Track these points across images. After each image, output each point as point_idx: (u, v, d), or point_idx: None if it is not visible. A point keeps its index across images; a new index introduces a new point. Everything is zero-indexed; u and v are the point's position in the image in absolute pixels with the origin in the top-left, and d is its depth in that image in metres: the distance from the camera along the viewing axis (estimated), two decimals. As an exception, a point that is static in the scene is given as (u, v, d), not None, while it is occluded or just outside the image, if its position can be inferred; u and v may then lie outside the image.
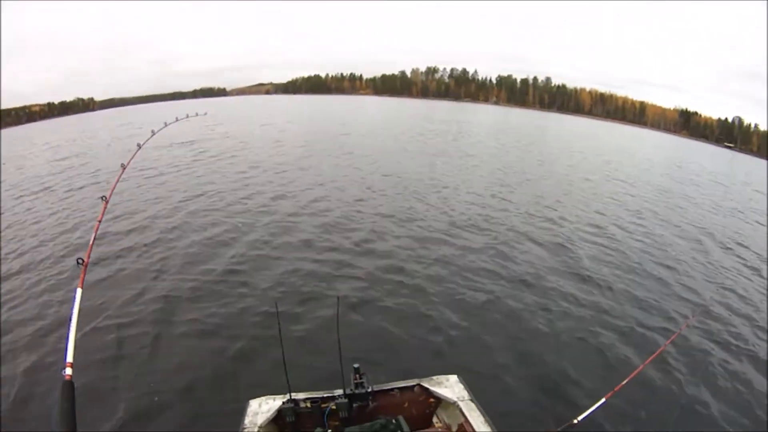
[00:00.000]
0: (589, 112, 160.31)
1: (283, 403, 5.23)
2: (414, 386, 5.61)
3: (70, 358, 2.53)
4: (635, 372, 5.08)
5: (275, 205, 18.06)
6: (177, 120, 9.33)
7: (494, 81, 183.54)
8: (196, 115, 11.25)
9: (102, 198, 4.43)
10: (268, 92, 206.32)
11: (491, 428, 4.82)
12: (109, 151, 32.86)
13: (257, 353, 8.81)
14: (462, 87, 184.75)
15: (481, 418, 4.97)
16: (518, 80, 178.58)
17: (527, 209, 19.72)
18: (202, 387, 7.96)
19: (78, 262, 3.40)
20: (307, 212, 17.58)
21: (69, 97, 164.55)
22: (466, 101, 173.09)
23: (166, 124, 8.74)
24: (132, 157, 5.38)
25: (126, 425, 6.94)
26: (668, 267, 15.13)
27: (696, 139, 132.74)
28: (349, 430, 4.85)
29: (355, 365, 5.39)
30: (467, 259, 13.85)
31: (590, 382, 8.65)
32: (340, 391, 5.29)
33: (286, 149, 31.68)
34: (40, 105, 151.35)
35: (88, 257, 3.48)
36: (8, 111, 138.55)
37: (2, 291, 10.91)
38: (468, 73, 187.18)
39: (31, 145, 45.86)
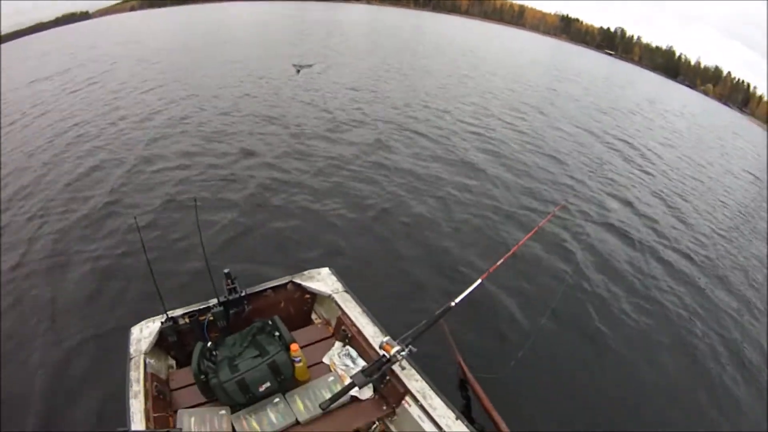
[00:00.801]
0: (466, 12, 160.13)
1: (162, 323, 5.14)
2: (287, 284, 5.60)
3: None
4: (509, 254, 5.12)
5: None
6: None
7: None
8: None
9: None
10: (132, 9, 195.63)
11: (370, 318, 4.91)
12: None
13: (126, 278, 8.46)
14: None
15: (358, 309, 5.04)
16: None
17: (408, 103, 19.95)
18: (74, 326, 7.61)
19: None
20: (173, 124, 17.18)
21: None
22: (339, 1, 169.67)
23: None
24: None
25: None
26: (547, 156, 15.94)
27: (576, 44, 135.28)
28: (229, 339, 4.82)
29: (226, 270, 5.30)
30: (348, 152, 14.10)
31: (466, 264, 8.93)
32: (214, 301, 5.24)
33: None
34: None
35: None
36: None
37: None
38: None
39: None
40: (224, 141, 14.82)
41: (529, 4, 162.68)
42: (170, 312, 5.23)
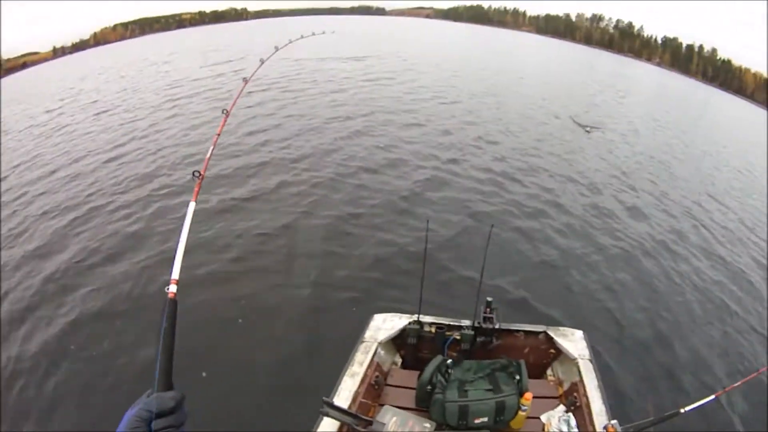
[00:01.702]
0: (751, 96, 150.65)
1: (409, 323, 5.41)
2: (540, 333, 5.68)
3: (176, 275, 2.45)
4: (751, 376, 4.99)
5: (419, 130, 19.09)
6: (302, 37, 9.57)
7: (659, 41, 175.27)
8: (323, 33, 11.45)
9: (223, 111, 4.44)
10: (428, 16, 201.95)
11: (602, 395, 4.86)
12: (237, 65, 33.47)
13: (398, 269, 9.48)
14: (626, 41, 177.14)
15: (595, 382, 5.00)
16: (684, 45, 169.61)
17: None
18: (323, 297, 8.77)
19: (194, 175, 3.33)
20: (480, 143, 18.77)
21: (222, 6, 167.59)
22: (629, 56, 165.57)
23: (290, 41, 9.00)
24: (254, 73, 5.52)
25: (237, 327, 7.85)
26: None
27: None
28: (467, 363, 4.97)
29: (489, 299, 5.49)
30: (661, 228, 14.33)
31: (707, 373, 8.62)
32: (467, 322, 5.44)
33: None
34: (191, 13, 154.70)
35: (205, 170, 3.44)
36: (157, 18, 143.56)
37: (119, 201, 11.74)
38: (633, 27, 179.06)
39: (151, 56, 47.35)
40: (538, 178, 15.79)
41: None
42: (422, 316, 5.55)
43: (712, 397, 4.57)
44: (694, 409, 4.41)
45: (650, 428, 4.41)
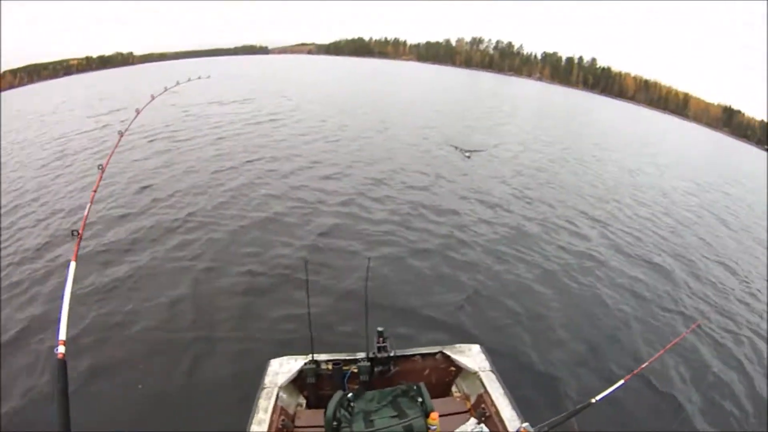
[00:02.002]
0: (632, 98, 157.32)
1: (305, 363, 5.30)
2: (436, 353, 5.62)
3: (62, 336, 2.52)
4: (656, 356, 5.11)
5: (296, 170, 18.84)
6: (177, 83, 9.36)
7: (539, 57, 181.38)
8: (198, 78, 11.28)
9: (99, 167, 4.39)
10: (310, 52, 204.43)
11: (510, 401, 4.84)
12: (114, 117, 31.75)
13: (282, 312, 9.11)
14: (506, 60, 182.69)
15: (501, 390, 4.98)
16: (563, 58, 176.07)
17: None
18: (221, 347, 8.34)
19: (72, 234, 3.37)
20: (343, 175, 18.55)
21: (108, 51, 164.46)
22: (510, 75, 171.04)
23: (166, 89, 8.84)
24: (129, 124, 5.40)
25: (137, 392, 7.26)
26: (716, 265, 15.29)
27: (738, 138, 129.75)
28: (369, 393, 4.87)
29: (379, 328, 5.39)
30: (526, 236, 14.67)
31: (612, 362, 8.83)
32: (362, 354, 5.33)
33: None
34: (78, 59, 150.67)
35: (83, 229, 3.45)
36: (45, 65, 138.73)
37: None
38: (513, 46, 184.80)
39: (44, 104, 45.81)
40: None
41: (693, 93, 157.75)
42: (316, 355, 5.41)
43: (621, 382, 4.59)
44: (605, 396, 4.40)
45: (564, 423, 4.28)
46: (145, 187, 15.37)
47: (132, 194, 14.88)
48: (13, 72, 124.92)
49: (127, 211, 13.43)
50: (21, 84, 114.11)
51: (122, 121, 26.45)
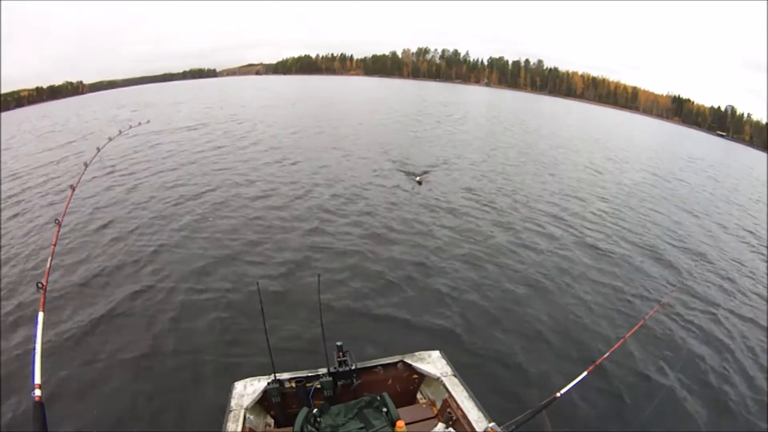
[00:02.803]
0: (581, 96, 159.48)
1: (268, 383, 5.28)
2: (397, 362, 5.65)
3: (38, 380, 2.60)
4: (615, 346, 5.13)
5: (246, 194, 18.51)
6: (120, 133, 9.32)
7: (486, 63, 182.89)
8: (139, 124, 11.30)
9: (55, 221, 4.52)
10: (258, 73, 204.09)
11: (475, 403, 4.86)
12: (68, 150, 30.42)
13: (240, 335, 9.05)
14: (453, 68, 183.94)
15: (465, 393, 5.01)
16: (510, 62, 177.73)
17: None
18: (184, 374, 8.17)
19: (38, 287, 3.45)
20: (287, 194, 18.40)
21: (58, 81, 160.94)
22: (458, 82, 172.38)
23: (110, 139, 8.78)
24: (80, 178, 5.42)
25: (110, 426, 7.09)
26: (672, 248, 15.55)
27: (688, 126, 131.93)
28: (335, 408, 4.90)
29: (338, 343, 5.43)
30: (466, 235, 14.75)
31: (575, 354, 8.95)
32: (324, 370, 5.34)
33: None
34: (28, 89, 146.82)
35: (47, 281, 3.53)
36: None
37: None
38: (459, 54, 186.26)
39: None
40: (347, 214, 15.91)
41: (641, 87, 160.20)
42: (278, 374, 5.38)
43: (584, 374, 4.63)
44: (570, 389, 4.44)
45: (532, 420, 4.31)
46: (104, 226, 14.98)
47: (93, 233, 14.57)
48: None
49: (89, 254, 13.11)
50: None
51: (77, 154, 26.18)
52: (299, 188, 19.19)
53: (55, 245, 4.29)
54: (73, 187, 5.33)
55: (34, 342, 2.91)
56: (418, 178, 20.51)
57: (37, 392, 2.49)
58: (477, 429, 4.58)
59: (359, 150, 28.01)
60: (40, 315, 3.11)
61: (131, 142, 28.76)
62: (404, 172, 22.38)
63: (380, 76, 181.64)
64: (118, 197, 18.19)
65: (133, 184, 20.15)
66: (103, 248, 13.42)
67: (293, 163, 23.97)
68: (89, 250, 13.29)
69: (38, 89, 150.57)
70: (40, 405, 2.45)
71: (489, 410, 4.84)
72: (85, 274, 11.85)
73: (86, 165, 6.10)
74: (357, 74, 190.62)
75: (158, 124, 36.91)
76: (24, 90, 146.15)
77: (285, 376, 5.43)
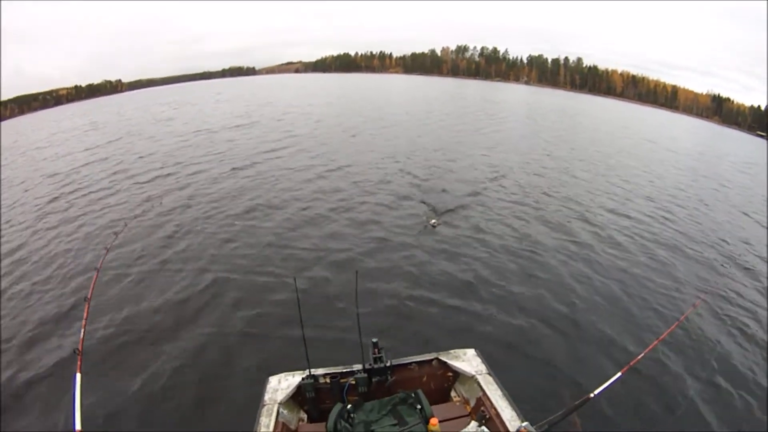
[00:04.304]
0: (621, 95, 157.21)
1: (303, 379, 5.31)
2: (432, 360, 5.64)
3: (78, 427, 2.88)
4: (650, 347, 5.13)
5: (290, 194, 18.60)
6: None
7: (525, 60, 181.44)
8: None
9: (84, 299, 4.59)
10: (297, 71, 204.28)
11: (509, 402, 4.82)
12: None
13: (276, 331, 9.16)
14: (492, 66, 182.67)
15: (499, 392, 4.98)
16: (549, 60, 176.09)
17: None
18: (219, 369, 8.33)
19: (74, 352, 3.69)
20: (326, 192, 18.75)
21: (97, 80, 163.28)
22: (497, 80, 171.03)
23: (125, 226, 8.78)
24: (102, 261, 5.45)
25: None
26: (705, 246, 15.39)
27: (728, 126, 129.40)
28: (368, 404, 4.91)
29: (374, 339, 5.43)
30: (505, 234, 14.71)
31: (610, 354, 8.82)
32: (359, 366, 5.37)
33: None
34: (67, 88, 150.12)
35: (82, 345, 3.74)
36: (35, 95, 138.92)
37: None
38: (498, 52, 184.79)
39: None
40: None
41: (681, 85, 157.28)
42: (313, 370, 5.42)
43: (618, 375, 4.61)
44: (603, 390, 4.43)
45: (564, 420, 4.34)
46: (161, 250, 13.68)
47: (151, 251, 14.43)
48: (4, 104, 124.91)
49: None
50: (12, 116, 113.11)
51: (118, 166, 25.79)
52: (370, 175, 20.21)
53: (86, 319, 4.46)
54: (97, 270, 5.49)
55: (73, 395, 3.16)
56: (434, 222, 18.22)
57: None
58: (510, 428, 4.55)
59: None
60: (77, 376, 3.35)
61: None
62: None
63: (419, 74, 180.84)
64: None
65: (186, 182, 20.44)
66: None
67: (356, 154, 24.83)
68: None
69: (77, 88, 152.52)
70: None
71: (521, 408, 4.79)
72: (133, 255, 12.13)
73: (107, 249, 6.02)
74: (396, 72, 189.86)
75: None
76: (63, 89, 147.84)
77: (319, 371, 5.46)
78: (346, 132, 34.28)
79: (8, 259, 13.58)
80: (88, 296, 4.57)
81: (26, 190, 22.58)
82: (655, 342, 5.18)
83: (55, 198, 20.20)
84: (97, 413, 7.73)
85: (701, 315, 10.68)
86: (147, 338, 9.34)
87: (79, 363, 3.45)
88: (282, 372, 5.56)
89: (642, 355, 4.97)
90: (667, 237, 16.19)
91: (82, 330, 4.10)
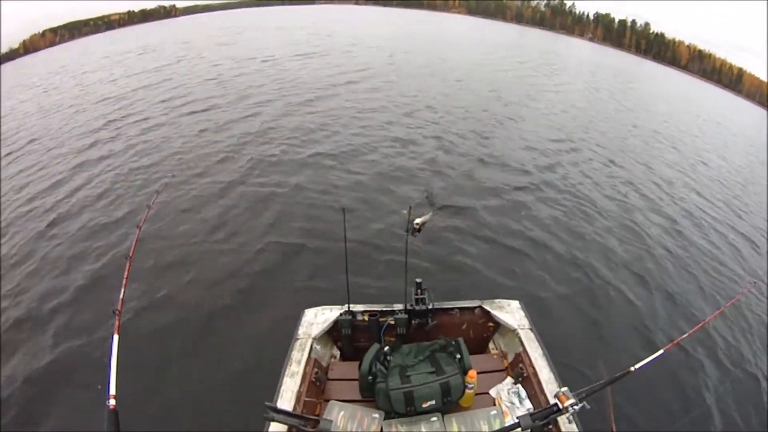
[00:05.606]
0: (685, 67, 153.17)
1: (341, 314, 5.25)
2: (475, 308, 5.51)
3: (113, 391, 2.77)
4: (697, 327, 4.99)
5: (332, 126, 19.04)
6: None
7: (591, 17, 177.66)
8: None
9: (125, 257, 4.46)
10: (357, 2, 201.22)
11: (548, 362, 4.74)
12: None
13: (320, 261, 9.19)
14: (558, 18, 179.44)
15: (539, 351, 4.88)
16: (616, 20, 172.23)
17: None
18: (256, 297, 8.48)
19: (114, 312, 3.57)
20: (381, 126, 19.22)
21: (150, 5, 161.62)
22: (561, 33, 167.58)
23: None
24: (144, 218, 5.26)
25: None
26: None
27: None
28: (406, 347, 4.86)
29: (418, 280, 5.32)
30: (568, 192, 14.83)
31: (656, 329, 8.72)
32: (399, 306, 5.27)
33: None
34: (119, 13, 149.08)
35: (121, 307, 3.66)
36: (86, 21, 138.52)
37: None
38: (565, 4, 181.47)
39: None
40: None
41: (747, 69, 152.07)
42: (352, 306, 5.38)
43: (661, 351, 4.44)
44: (644, 365, 4.23)
45: (601, 391, 4.20)
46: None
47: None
48: (54, 30, 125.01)
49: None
50: (62, 41, 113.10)
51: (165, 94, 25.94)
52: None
53: (126, 278, 4.27)
54: (139, 227, 5.16)
55: (110, 358, 3.12)
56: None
57: (112, 401, 2.73)
58: (546, 390, 4.49)
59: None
60: (115, 337, 3.31)
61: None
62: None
63: (482, 17, 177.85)
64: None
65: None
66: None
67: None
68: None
69: (129, 13, 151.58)
70: (114, 412, 2.67)
71: (558, 372, 4.71)
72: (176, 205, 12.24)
73: (149, 207, 5.82)
74: (459, 12, 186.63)
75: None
76: (114, 14, 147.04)
77: (359, 308, 5.42)
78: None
79: (51, 197, 13.53)
80: (130, 254, 4.49)
81: (76, 112, 23.17)
82: (702, 323, 5.01)
83: (105, 125, 20.34)
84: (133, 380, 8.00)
85: (753, 300, 10.58)
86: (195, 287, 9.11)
87: (117, 324, 3.41)
88: (319, 306, 5.53)
89: (687, 334, 4.85)
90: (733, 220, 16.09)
91: (123, 289, 4.01)
